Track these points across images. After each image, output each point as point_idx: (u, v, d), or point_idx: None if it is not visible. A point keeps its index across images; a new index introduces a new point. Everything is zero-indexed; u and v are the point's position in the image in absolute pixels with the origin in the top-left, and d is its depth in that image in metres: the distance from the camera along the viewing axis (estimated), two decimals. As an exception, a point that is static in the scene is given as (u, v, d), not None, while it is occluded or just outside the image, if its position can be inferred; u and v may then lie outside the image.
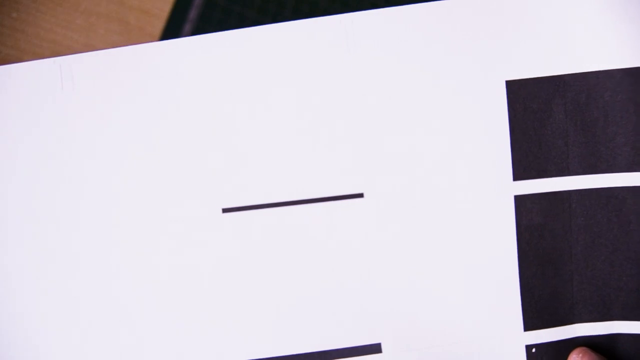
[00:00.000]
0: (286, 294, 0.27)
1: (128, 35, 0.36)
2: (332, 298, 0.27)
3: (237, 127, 0.27)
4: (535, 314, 0.27)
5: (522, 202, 0.27)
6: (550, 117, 0.26)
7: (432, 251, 0.27)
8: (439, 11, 0.26)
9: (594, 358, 0.26)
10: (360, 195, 0.27)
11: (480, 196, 0.27)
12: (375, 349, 0.27)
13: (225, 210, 0.27)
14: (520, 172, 0.27)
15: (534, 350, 0.27)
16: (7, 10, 0.35)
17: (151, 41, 0.36)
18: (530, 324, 0.27)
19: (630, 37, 0.25)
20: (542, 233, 0.27)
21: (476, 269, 0.27)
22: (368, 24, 0.26)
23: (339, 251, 0.27)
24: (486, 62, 0.26)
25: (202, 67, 0.26)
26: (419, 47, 0.26)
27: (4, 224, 0.26)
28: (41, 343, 0.26)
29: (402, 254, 0.27)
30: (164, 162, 0.27)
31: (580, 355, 0.26)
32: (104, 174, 0.27)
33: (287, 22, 0.26)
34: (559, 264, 0.27)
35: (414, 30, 0.26)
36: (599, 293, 0.27)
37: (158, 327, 0.27)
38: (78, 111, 0.26)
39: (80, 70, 0.26)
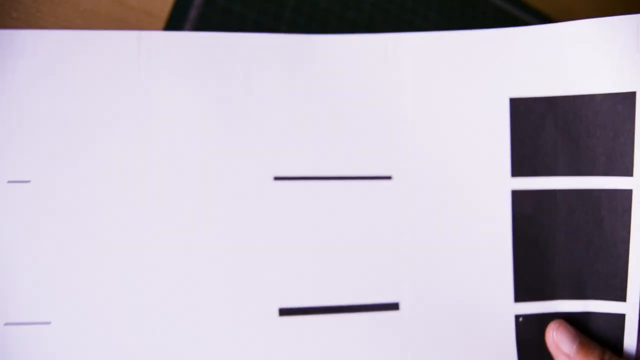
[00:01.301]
0: (313, 252, 0.31)
1: (127, 34, 0.36)
2: (355, 261, 0.31)
3: (284, 111, 0.31)
4: (524, 289, 0.32)
5: (517, 196, 0.32)
6: (543, 130, 0.31)
7: (444, 232, 0.32)
8: (460, 40, 0.32)
9: (568, 329, 0.31)
10: (389, 178, 0.31)
11: (484, 189, 0.32)
12: (394, 306, 0.31)
13: (276, 178, 0.31)
14: (517, 171, 0.31)
15: (521, 319, 0.31)
16: (7, 10, 0.33)
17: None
18: (519, 296, 0.32)
19: (611, 68, 0.30)
20: (532, 222, 0.32)
21: (478, 249, 0.32)
22: (406, 45, 0.32)
23: (365, 223, 0.31)
24: (494, 83, 0.32)
25: (257, 62, 0.31)
26: (444, 69, 0.32)
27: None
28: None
29: (419, 231, 0.31)
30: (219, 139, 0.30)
31: (557, 325, 0.31)
32: (177, 137, 0.30)
33: (336, 35, 0.31)
34: (544, 248, 0.32)
35: (441, 54, 0.32)
36: (576, 275, 0.32)
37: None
38: (151, 86, 0.30)
39: (160, 45, 0.29)
